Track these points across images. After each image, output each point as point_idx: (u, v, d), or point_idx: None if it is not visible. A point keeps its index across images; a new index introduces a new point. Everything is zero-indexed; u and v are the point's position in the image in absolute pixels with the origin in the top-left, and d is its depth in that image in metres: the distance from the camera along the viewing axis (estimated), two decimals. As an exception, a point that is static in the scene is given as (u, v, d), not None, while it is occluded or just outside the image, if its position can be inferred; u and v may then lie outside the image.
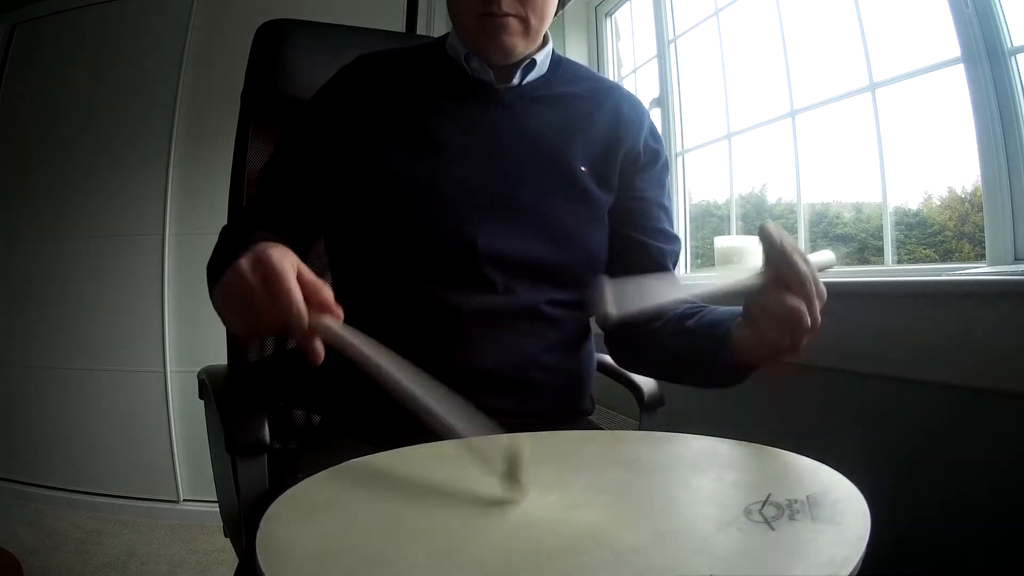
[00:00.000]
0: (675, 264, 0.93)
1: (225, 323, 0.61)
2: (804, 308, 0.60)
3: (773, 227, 0.62)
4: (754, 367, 0.70)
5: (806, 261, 0.62)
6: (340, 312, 0.58)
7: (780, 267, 0.61)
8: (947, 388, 0.97)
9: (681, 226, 2.13)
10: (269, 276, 0.56)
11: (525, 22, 0.82)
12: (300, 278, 0.57)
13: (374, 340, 0.58)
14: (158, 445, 2.42)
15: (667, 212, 0.94)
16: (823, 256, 0.68)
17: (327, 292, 0.58)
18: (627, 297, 0.52)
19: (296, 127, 0.91)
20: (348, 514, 0.47)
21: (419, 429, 0.74)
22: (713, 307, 0.80)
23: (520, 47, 0.84)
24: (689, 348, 0.79)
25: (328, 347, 0.94)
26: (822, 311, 0.62)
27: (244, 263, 0.57)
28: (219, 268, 0.74)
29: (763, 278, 0.61)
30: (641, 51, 2.38)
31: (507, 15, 0.81)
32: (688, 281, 1.85)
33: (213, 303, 0.76)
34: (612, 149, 0.89)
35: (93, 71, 2.52)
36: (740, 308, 0.71)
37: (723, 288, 0.61)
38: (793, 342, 0.62)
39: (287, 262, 0.57)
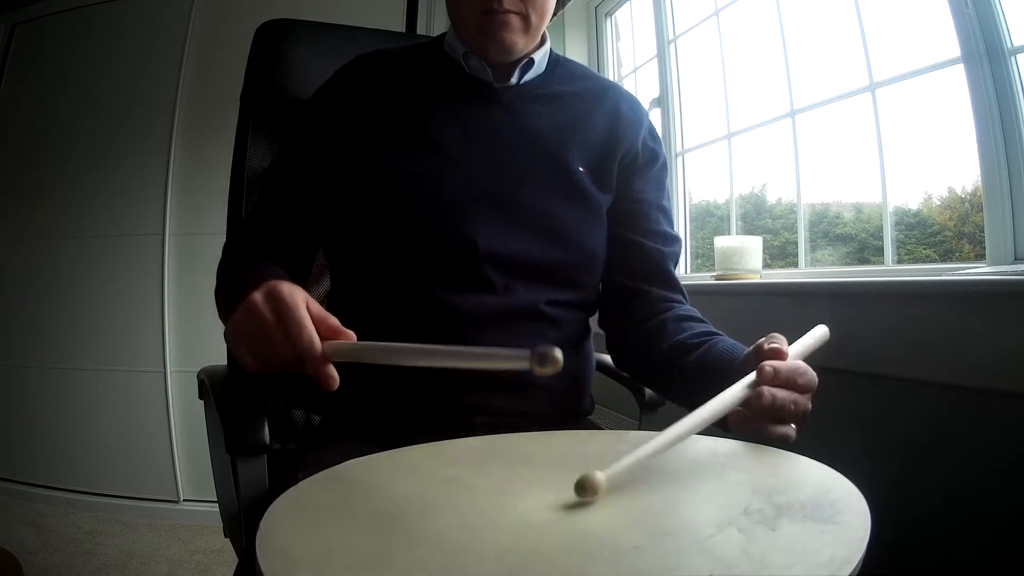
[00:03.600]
0: (675, 264, 0.93)
1: (239, 360, 0.62)
2: (790, 434, 0.60)
3: (768, 371, 0.60)
4: None
5: (808, 382, 0.61)
6: (351, 335, 0.60)
7: (773, 415, 0.60)
8: (947, 388, 0.97)
9: (681, 226, 2.13)
10: (281, 309, 0.58)
11: (526, 19, 0.82)
12: (308, 309, 0.59)
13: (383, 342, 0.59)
14: (158, 445, 2.42)
15: (666, 214, 0.93)
16: (817, 335, 0.68)
17: (334, 320, 0.60)
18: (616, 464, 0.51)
19: (295, 132, 0.91)
20: (348, 514, 0.47)
21: (419, 429, 0.75)
22: (712, 343, 0.78)
23: (520, 44, 0.84)
24: (682, 387, 0.79)
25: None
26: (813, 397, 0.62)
27: (257, 297, 0.59)
28: (227, 293, 0.75)
29: (751, 391, 0.60)
30: (641, 51, 2.38)
31: (508, 12, 0.81)
32: (687, 282, 1.85)
33: (224, 333, 0.77)
34: (610, 149, 0.89)
35: (93, 71, 2.52)
36: (741, 348, 0.72)
37: (719, 412, 0.59)
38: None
39: (298, 296, 0.59)
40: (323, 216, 0.89)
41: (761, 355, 0.63)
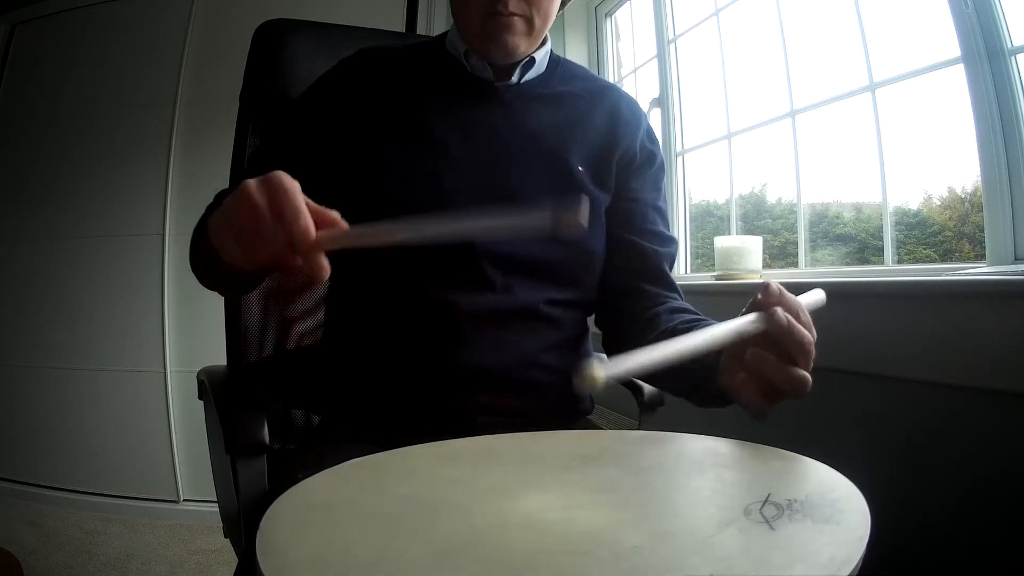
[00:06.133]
0: (671, 266, 0.93)
1: (222, 250, 0.58)
2: (807, 377, 0.58)
3: (775, 290, 0.59)
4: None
5: (807, 323, 0.60)
6: (345, 225, 0.57)
7: (786, 342, 0.58)
8: (947, 388, 0.97)
9: (681, 226, 2.13)
10: (276, 192, 0.54)
11: (530, 22, 0.82)
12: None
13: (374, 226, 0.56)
14: (158, 445, 2.43)
15: (662, 214, 0.93)
16: (815, 296, 0.67)
17: (333, 213, 0.56)
18: (617, 362, 0.51)
19: (291, 115, 0.90)
20: (348, 514, 0.47)
21: (419, 429, 0.75)
22: (703, 324, 0.76)
23: (523, 47, 0.84)
24: (675, 372, 0.77)
25: (327, 346, 0.95)
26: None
27: (252, 183, 0.55)
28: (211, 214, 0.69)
29: (760, 325, 0.59)
30: (641, 51, 2.38)
31: (513, 14, 0.81)
32: (687, 282, 1.85)
33: (194, 262, 0.76)
34: (609, 149, 0.89)
35: (93, 71, 2.52)
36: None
37: (720, 339, 0.58)
38: (781, 398, 0.60)
39: (295, 183, 0.55)
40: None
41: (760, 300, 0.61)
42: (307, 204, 0.54)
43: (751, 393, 0.60)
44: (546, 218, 0.47)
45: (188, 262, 0.83)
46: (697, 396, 0.75)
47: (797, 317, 0.59)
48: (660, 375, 0.85)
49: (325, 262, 0.55)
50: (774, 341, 0.59)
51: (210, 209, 0.80)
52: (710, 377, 0.68)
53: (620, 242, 0.90)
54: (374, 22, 2.25)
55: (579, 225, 0.48)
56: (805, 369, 0.59)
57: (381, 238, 0.55)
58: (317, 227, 0.54)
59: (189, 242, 0.81)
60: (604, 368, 0.47)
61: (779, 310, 0.58)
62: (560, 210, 0.46)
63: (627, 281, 0.89)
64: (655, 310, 0.85)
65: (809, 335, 0.59)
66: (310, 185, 0.86)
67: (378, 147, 0.84)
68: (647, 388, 0.99)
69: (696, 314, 0.84)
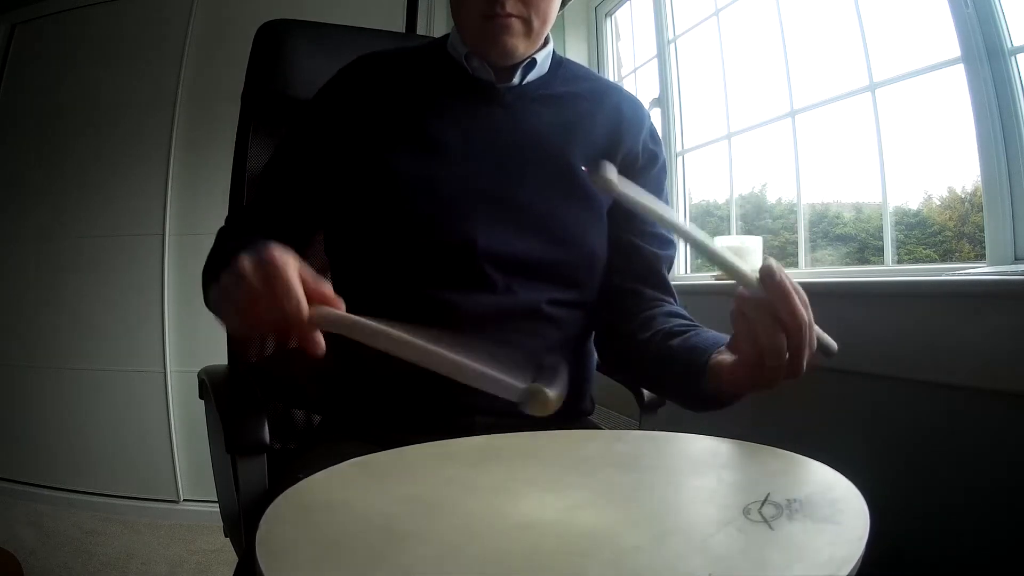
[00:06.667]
0: (669, 269, 0.93)
1: (223, 322, 0.61)
2: (783, 346, 0.59)
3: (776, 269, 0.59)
4: (732, 397, 0.68)
5: (804, 302, 0.60)
6: (341, 303, 0.59)
7: (779, 306, 0.59)
8: (947, 388, 0.97)
9: (681, 226, 2.13)
10: (270, 271, 0.57)
11: (528, 24, 0.82)
12: (300, 274, 0.58)
13: (373, 317, 0.58)
14: (158, 445, 2.42)
15: None
16: (828, 338, 0.68)
17: (327, 287, 0.59)
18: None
19: (296, 128, 0.91)
20: (348, 514, 0.47)
21: (419, 429, 0.75)
22: (699, 330, 0.78)
23: (521, 48, 0.84)
24: (669, 371, 0.77)
25: (329, 347, 0.95)
26: (810, 362, 0.61)
27: (245, 260, 0.58)
28: (217, 269, 0.73)
29: (760, 287, 0.60)
30: (641, 51, 2.38)
31: (510, 16, 0.81)
32: (687, 282, 1.85)
33: (208, 303, 0.76)
34: (612, 150, 0.89)
35: (93, 71, 2.52)
36: (726, 337, 0.69)
37: (728, 263, 0.60)
38: (771, 377, 0.60)
39: (289, 259, 0.58)
40: (318, 211, 0.89)
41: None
42: (303, 275, 0.58)
43: (738, 372, 0.62)
44: (519, 393, 0.51)
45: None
46: (689, 396, 0.75)
47: (796, 291, 0.59)
48: (653, 374, 0.86)
49: (319, 339, 0.58)
50: (769, 308, 0.59)
51: (213, 253, 0.83)
52: (702, 374, 0.68)
53: (621, 244, 0.90)
54: (374, 22, 2.24)
55: (549, 408, 0.51)
56: (795, 347, 0.59)
57: (369, 340, 0.58)
58: (310, 299, 0.57)
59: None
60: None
61: (775, 266, 0.59)
62: (535, 391, 0.50)
63: (626, 283, 0.90)
64: (650, 312, 0.86)
65: (803, 312, 0.59)
66: (316, 195, 0.87)
67: (380, 150, 0.85)
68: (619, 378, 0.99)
69: (691, 320, 0.85)
